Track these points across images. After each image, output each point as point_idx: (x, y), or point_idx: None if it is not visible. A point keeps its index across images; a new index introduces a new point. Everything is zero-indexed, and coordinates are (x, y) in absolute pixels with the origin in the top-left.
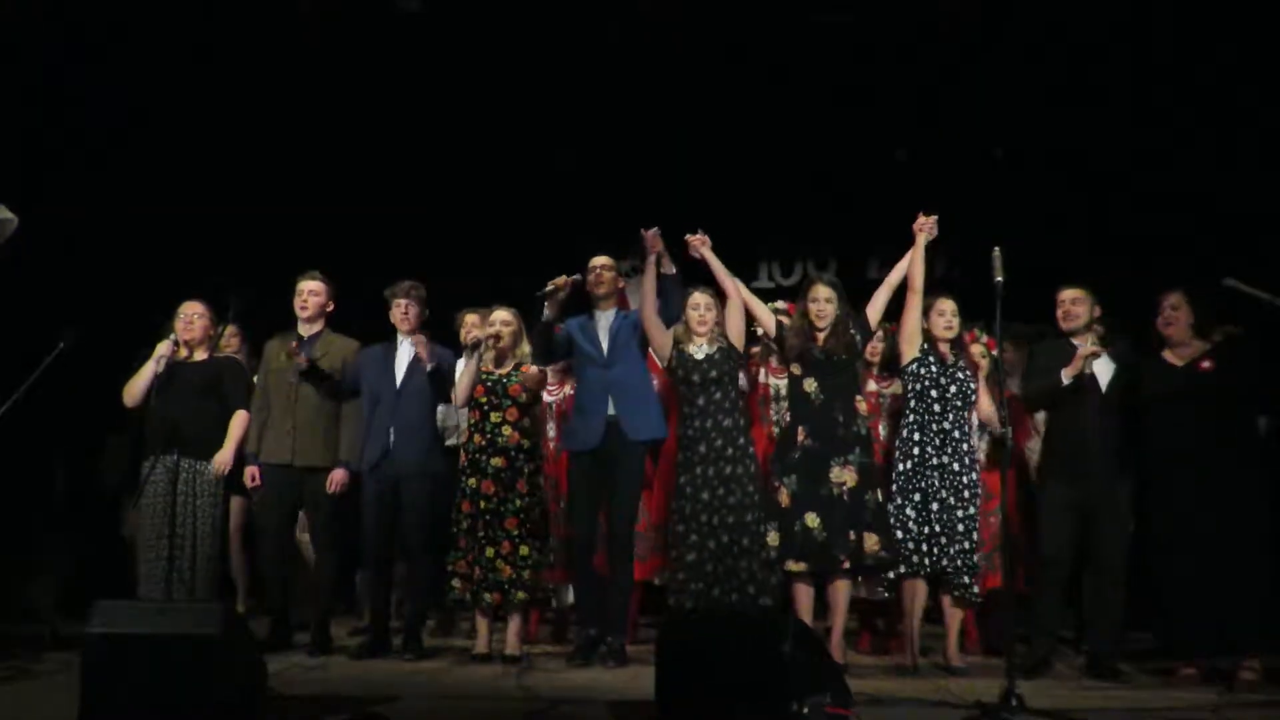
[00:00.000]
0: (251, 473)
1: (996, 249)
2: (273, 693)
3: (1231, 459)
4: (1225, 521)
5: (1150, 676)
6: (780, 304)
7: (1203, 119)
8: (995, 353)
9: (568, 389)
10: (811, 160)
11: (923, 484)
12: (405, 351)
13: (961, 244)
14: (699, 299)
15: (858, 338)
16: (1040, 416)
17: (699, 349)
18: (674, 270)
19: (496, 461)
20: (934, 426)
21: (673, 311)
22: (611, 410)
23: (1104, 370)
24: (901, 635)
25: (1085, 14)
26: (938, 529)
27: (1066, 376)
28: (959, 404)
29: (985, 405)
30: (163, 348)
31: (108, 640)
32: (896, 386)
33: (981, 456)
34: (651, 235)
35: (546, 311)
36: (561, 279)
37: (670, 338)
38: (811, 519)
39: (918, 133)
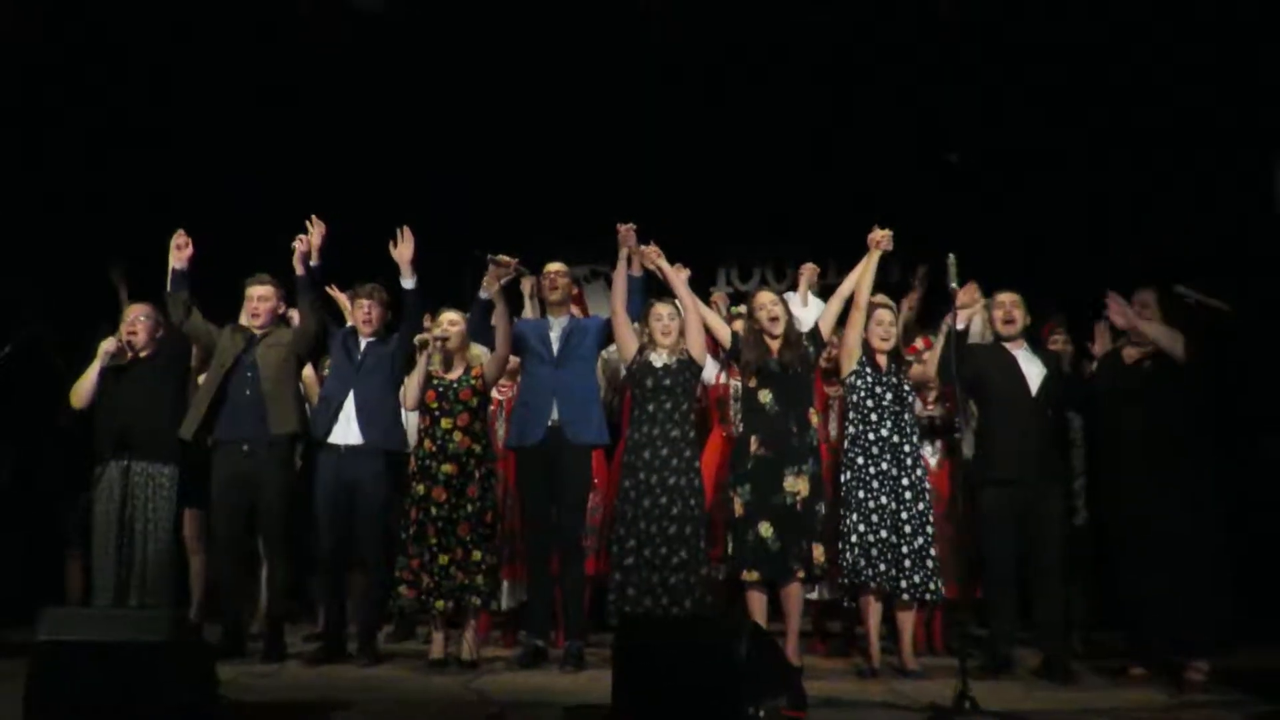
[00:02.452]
0: None
1: (951, 256)
2: (224, 700)
3: (1182, 460)
4: (1178, 524)
5: (1101, 676)
6: (742, 308)
7: (1156, 122)
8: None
9: (516, 388)
10: (770, 165)
11: (861, 493)
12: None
13: (916, 250)
14: (661, 309)
15: (810, 349)
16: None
17: (659, 357)
18: (640, 273)
19: (447, 468)
20: (871, 435)
21: (633, 312)
22: (555, 413)
23: (1034, 373)
24: (856, 638)
25: (1038, 19)
26: (884, 534)
27: (960, 320)
28: (897, 409)
29: (916, 370)
30: (108, 344)
31: (54, 647)
32: (839, 389)
33: (932, 461)
34: (626, 230)
35: (485, 289)
36: (511, 259)
37: (637, 339)
38: (765, 528)
39: (873, 138)
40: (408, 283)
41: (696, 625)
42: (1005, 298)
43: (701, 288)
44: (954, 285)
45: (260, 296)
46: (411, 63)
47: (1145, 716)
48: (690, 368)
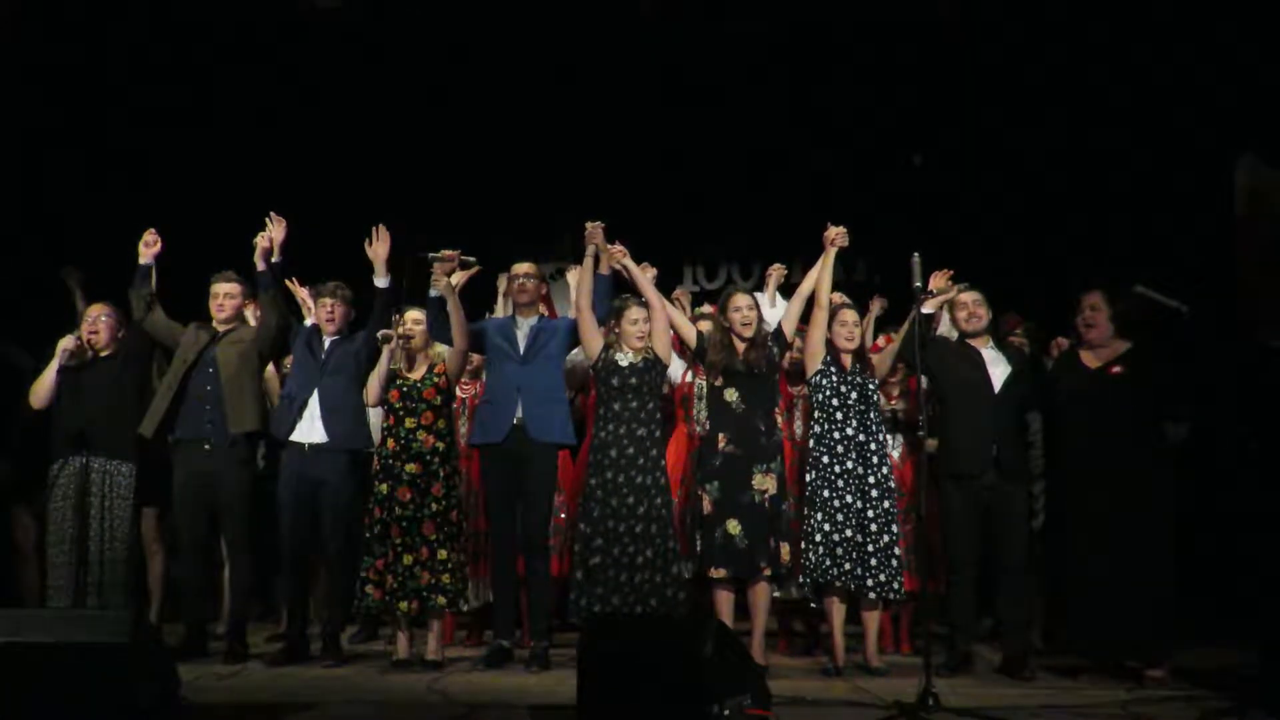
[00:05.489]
0: None
1: (915, 255)
2: (186, 702)
3: (1142, 465)
4: (1135, 527)
5: (1062, 673)
6: (706, 308)
7: (1119, 121)
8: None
9: (479, 386)
10: (735, 164)
11: (826, 492)
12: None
13: (881, 250)
14: (635, 311)
15: (775, 349)
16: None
17: (624, 356)
18: (608, 272)
19: (411, 468)
20: (836, 434)
21: (600, 313)
22: (520, 411)
23: (999, 371)
24: (821, 637)
25: (1003, 20)
26: (848, 534)
27: (929, 306)
28: (863, 408)
29: (876, 359)
30: (66, 342)
31: (10, 650)
32: (802, 389)
33: (895, 455)
34: (594, 228)
35: (434, 286)
36: (453, 252)
37: (602, 338)
38: (733, 526)
39: (839, 139)
40: (381, 281)
41: (662, 625)
42: (967, 297)
43: (668, 287)
44: (918, 284)
45: (226, 294)
46: (377, 62)
47: (1105, 712)
48: (656, 366)
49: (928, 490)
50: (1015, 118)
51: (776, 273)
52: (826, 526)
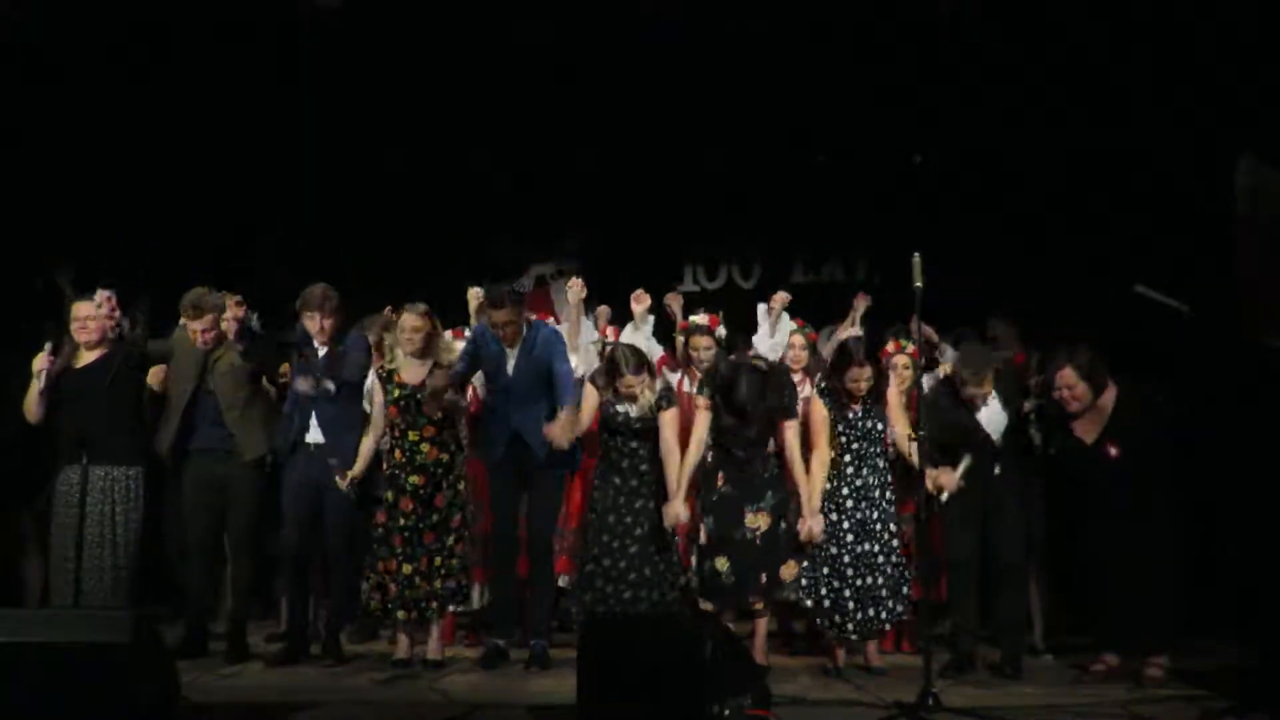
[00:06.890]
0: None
1: (916, 255)
2: (186, 702)
3: (1145, 490)
4: (1138, 527)
5: (1062, 673)
6: (701, 318)
7: (1119, 121)
8: (921, 361)
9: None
10: (736, 164)
11: (834, 549)
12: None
13: (881, 250)
14: (633, 381)
15: (786, 397)
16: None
17: (623, 406)
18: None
19: (415, 479)
20: (846, 489)
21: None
22: (518, 429)
23: (995, 423)
24: (822, 638)
25: (1003, 19)
26: (859, 583)
27: (946, 489)
28: (869, 448)
29: (896, 418)
30: (39, 362)
31: (8, 650)
32: (808, 389)
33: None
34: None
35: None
36: (442, 384)
37: (596, 398)
38: (721, 562)
39: (838, 138)
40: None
41: (662, 625)
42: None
43: (668, 287)
44: (919, 284)
45: (203, 329)
46: (372, 62)
47: (1105, 711)
48: (654, 421)
49: (927, 491)
50: (1015, 116)
51: (778, 303)
52: (835, 583)
